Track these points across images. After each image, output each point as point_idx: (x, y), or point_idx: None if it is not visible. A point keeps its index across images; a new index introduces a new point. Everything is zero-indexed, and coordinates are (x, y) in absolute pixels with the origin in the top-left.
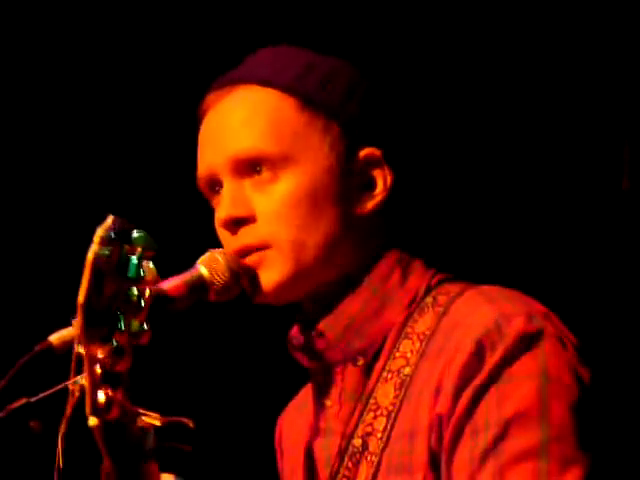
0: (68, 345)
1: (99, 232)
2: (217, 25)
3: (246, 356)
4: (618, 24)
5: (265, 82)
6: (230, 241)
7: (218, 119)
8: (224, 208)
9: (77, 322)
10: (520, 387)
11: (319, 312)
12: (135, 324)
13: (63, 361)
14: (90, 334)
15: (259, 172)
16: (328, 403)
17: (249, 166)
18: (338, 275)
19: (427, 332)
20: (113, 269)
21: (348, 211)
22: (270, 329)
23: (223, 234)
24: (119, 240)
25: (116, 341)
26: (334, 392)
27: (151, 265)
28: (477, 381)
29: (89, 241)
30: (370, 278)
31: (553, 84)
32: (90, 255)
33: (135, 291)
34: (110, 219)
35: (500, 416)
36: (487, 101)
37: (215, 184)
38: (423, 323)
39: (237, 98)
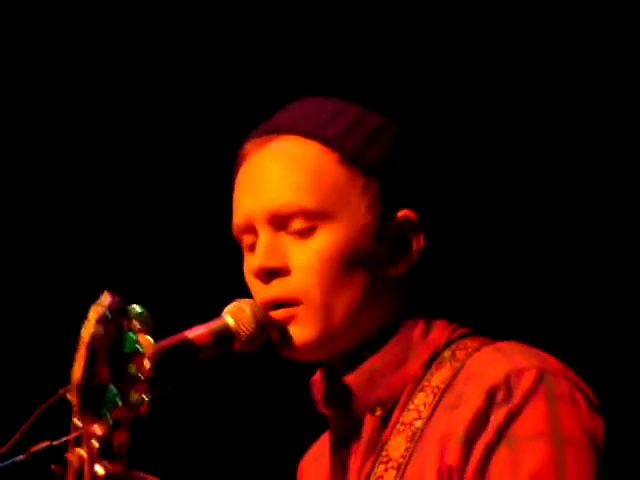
0: None
1: (95, 310)
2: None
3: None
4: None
5: (308, 134)
6: (261, 290)
7: (258, 168)
8: (258, 257)
9: (73, 399)
10: (533, 448)
11: (344, 363)
12: (134, 397)
13: None
14: (86, 411)
15: (297, 225)
16: (345, 452)
17: (287, 219)
18: (366, 336)
19: (442, 385)
20: (109, 347)
21: (380, 273)
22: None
23: (253, 283)
24: (115, 318)
25: (113, 416)
26: (352, 441)
27: (149, 338)
28: (487, 437)
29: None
30: (395, 332)
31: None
32: (85, 335)
33: (133, 366)
34: (105, 296)
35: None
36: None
37: (251, 232)
38: (439, 377)
39: (278, 148)
